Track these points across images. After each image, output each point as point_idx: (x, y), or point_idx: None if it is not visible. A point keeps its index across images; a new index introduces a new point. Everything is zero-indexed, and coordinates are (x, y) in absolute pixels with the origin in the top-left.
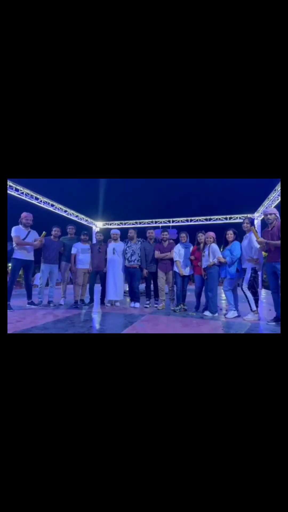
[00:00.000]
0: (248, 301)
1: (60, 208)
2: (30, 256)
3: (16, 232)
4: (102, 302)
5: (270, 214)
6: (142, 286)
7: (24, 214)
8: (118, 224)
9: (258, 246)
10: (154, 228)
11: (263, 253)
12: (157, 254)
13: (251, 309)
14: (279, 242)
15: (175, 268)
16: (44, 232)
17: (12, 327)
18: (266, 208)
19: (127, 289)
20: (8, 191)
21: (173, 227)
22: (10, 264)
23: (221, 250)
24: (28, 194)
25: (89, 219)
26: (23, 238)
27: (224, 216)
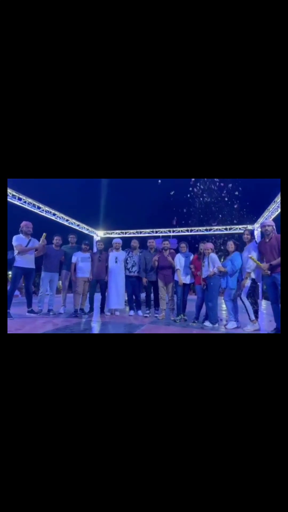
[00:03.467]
0: (247, 311)
1: (62, 217)
2: (31, 264)
3: (18, 240)
4: (102, 311)
5: (268, 225)
6: (142, 296)
7: (24, 223)
8: (119, 234)
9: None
10: (155, 237)
11: (260, 263)
12: (153, 262)
13: (249, 319)
14: (279, 260)
15: (176, 278)
16: (44, 233)
17: None
18: (265, 219)
19: (127, 298)
20: (11, 200)
21: (173, 237)
22: (10, 272)
23: (222, 260)
24: (31, 203)
25: (90, 228)
26: (24, 246)
27: (224, 227)
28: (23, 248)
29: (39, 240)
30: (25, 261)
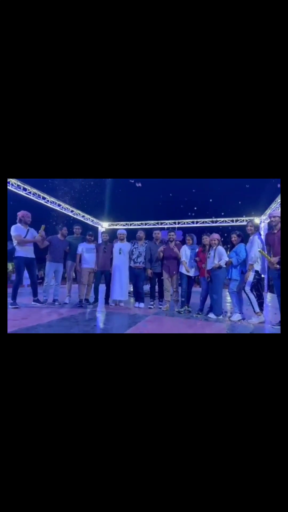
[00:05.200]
0: (251, 303)
1: (67, 208)
2: (31, 254)
3: (17, 230)
4: (107, 301)
5: (274, 216)
6: (146, 287)
7: (23, 213)
8: (124, 225)
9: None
10: (160, 229)
11: (269, 257)
12: (158, 253)
13: (254, 311)
14: None
15: (181, 269)
16: (42, 225)
17: (18, 324)
18: (273, 210)
19: (132, 289)
20: (16, 190)
21: (178, 228)
22: (12, 263)
23: (227, 253)
24: (36, 193)
25: (95, 219)
26: (23, 236)
27: (230, 219)
28: (22, 240)
29: (38, 231)
30: (25, 251)
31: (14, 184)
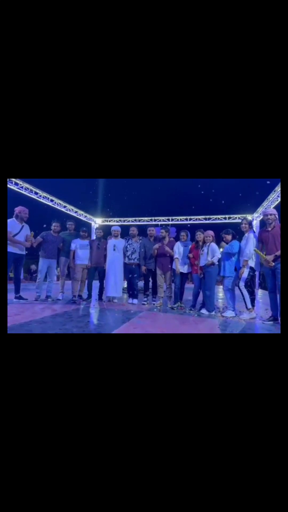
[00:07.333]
0: (244, 299)
1: (60, 204)
2: (22, 250)
3: (9, 227)
4: (100, 298)
5: (270, 214)
6: (140, 283)
7: (20, 208)
8: (117, 221)
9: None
10: (154, 226)
11: (264, 255)
12: (153, 250)
13: (246, 307)
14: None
15: (174, 266)
16: (32, 232)
17: (11, 320)
18: (266, 208)
19: (125, 286)
20: (8, 185)
21: (172, 225)
22: None
23: (221, 251)
24: (28, 188)
25: (88, 215)
26: (16, 232)
27: (223, 216)
28: (11, 238)
29: (31, 229)
30: (15, 247)
31: None
